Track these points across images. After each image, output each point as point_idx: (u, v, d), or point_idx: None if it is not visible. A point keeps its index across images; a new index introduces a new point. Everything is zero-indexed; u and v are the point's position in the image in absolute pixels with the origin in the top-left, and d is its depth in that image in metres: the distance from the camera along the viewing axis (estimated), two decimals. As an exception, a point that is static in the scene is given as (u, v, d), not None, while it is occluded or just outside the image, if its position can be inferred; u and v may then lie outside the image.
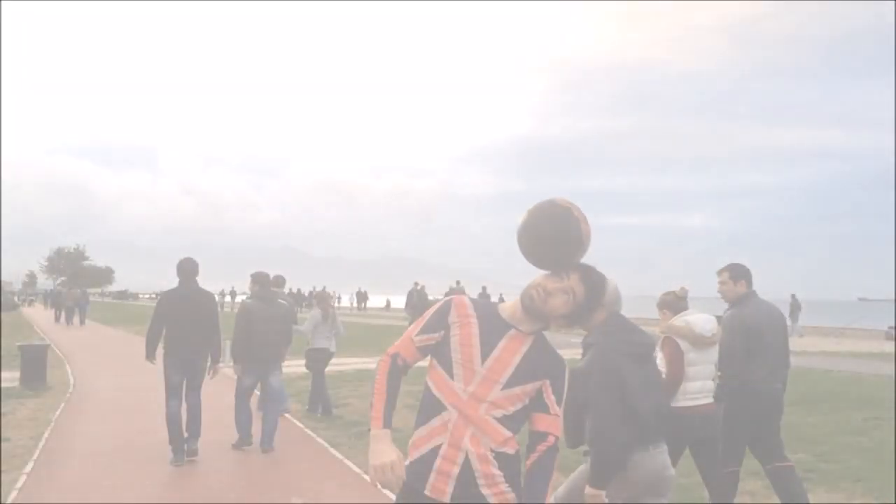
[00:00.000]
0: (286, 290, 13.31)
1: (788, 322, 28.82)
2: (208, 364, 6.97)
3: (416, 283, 27.84)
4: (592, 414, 3.28)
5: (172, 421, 6.69)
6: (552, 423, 2.33)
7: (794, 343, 25.13)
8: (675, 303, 4.56)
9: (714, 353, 4.57)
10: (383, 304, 57.16)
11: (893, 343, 23.80)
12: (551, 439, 2.32)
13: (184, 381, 6.84)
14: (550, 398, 2.32)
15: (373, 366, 14.39)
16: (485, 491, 2.26)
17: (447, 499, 2.26)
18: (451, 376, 2.30)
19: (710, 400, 4.50)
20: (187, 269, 6.90)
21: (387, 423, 2.28)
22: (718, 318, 4.83)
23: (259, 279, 7.46)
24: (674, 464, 4.47)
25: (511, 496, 2.30)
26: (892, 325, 27.65)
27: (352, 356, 16.76)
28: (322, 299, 9.56)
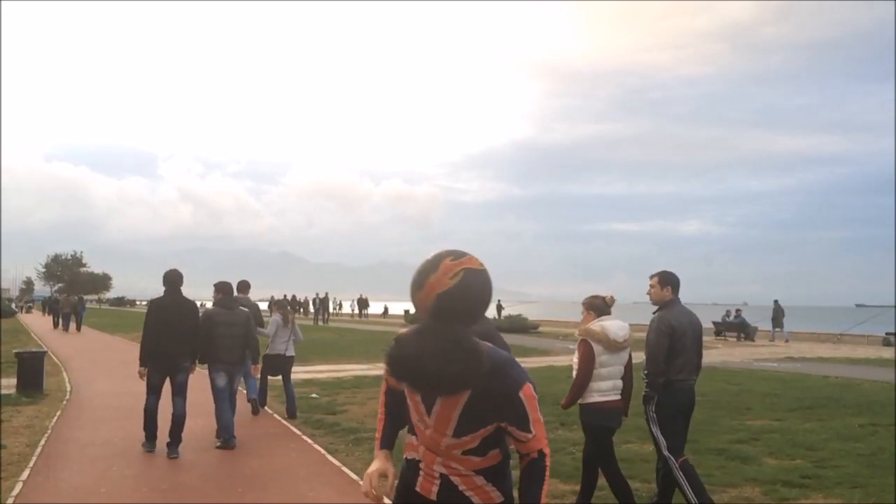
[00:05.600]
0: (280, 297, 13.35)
1: (771, 327, 29.08)
2: (190, 363, 7.44)
3: None
4: None
5: (149, 413, 7.30)
6: (529, 445, 2.32)
7: (786, 348, 25.14)
8: (601, 307, 5.21)
9: (624, 356, 5.19)
10: (381, 311, 57.14)
11: (893, 349, 23.83)
12: (534, 454, 2.33)
13: (164, 382, 7.31)
14: (517, 433, 2.29)
15: (371, 372, 14.43)
16: (468, 493, 2.35)
17: (433, 497, 2.37)
18: (414, 412, 2.38)
19: (618, 396, 5.16)
20: (172, 278, 7.42)
21: (384, 445, 2.53)
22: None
23: (221, 288, 8.01)
24: (598, 450, 5.17)
25: (495, 494, 2.35)
26: (890, 331, 27.65)
27: (350, 363, 16.77)
28: (281, 306, 10.17)
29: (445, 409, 2.26)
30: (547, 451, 2.34)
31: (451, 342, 2.08)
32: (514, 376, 2.25)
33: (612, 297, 5.27)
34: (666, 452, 5.14)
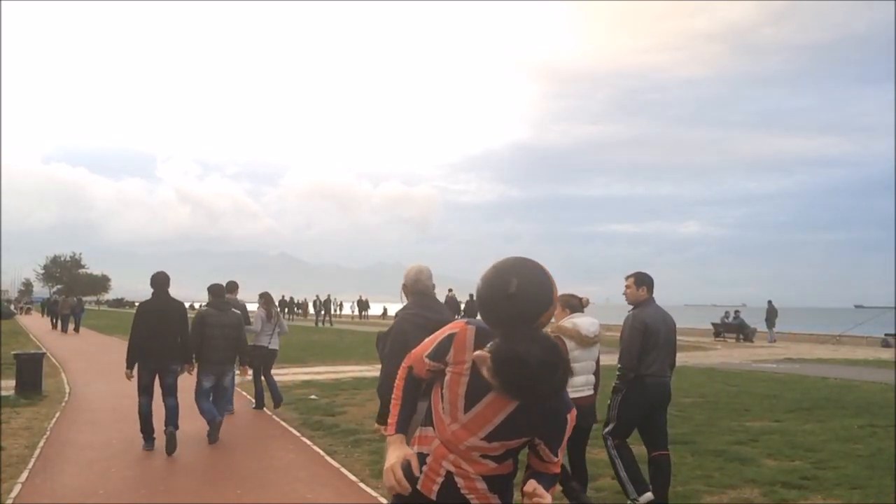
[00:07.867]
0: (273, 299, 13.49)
1: (765, 328, 29.24)
2: (179, 365, 7.60)
3: (450, 290, 27.71)
4: (384, 366, 4.02)
5: (143, 414, 7.48)
6: (549, 467, 2.32)
7: (784, 349, 25.15)
8: (576, 305, 5.47)
9: (595, 352, 5.41)
10: (380, 312, 57.15)
11: (892, 350, 23.84)
12: (549, 474, 2.33)
13: (154, 381, 7.46)
14: (545, 451, 2.29)
15: (369, 374, 14.42)
16: (469, 496, 2.33)
17: (433, 496, 2.34)
18: (442, 406, 2.33)
19: (591, 392, 5.37)
20: (160, 281, 7.59)
21: (400, 429, 2.40)
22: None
23: (214, 290, 8.34)
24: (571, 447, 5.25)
25: (494, 499, 2.33)
26: (889, 332, 27.67)
27: (349, 364, 16.76)
28: (267, 300, 10.34)
29: (490, 410, 2.21)
30: (559, 476, 2.37)
31: (556, 351, 2.07)
32: (566, 398, 2.27)
33: (587, 300, 5.58)
34: (606, 435, 5.45)
